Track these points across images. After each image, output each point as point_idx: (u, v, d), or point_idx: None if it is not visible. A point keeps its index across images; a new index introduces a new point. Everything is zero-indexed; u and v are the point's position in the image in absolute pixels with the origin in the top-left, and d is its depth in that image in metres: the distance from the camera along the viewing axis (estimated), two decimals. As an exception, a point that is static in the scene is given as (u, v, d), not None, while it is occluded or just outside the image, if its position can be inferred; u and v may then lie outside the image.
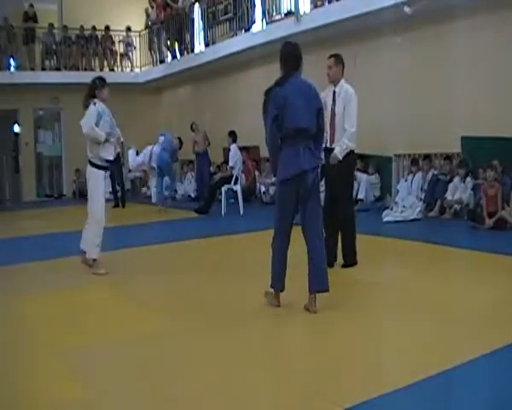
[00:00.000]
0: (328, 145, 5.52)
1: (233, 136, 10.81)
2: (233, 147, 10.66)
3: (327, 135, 5.51)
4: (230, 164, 10.64)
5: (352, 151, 5.55)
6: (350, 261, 5.60)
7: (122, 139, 6.23)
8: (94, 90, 5.97)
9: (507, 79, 8.18)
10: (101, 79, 6.10)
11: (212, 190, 10.85)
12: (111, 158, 6.05)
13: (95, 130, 5.79)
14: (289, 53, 4.44)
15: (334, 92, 5.56)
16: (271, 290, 4.37)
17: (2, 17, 15.60)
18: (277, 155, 4.29)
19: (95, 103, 5.89)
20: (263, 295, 4.44)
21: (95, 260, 5.97)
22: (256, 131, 12.72)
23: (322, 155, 5.30)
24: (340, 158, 5.45)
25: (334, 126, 5.50)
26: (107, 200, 15.38)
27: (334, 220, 5.55)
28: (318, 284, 4.22)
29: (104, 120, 5.89)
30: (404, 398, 2.82)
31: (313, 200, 4.31)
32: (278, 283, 4.34)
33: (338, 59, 5.60)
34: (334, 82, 5.57)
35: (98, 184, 5.96)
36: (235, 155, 10.57)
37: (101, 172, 5.96)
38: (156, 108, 17.55)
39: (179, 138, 12.14)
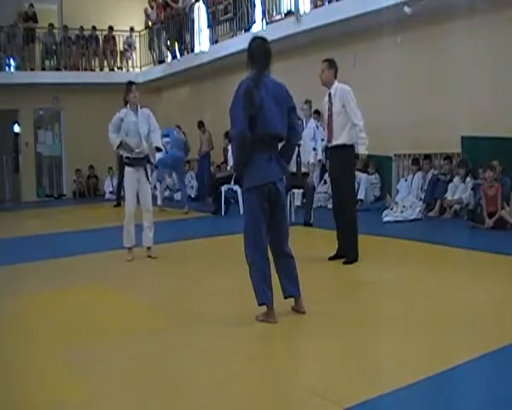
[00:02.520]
0: (327, 144, 5.90)
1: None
2: (230, 147, 10.64)
3: (325, 135, 5.88)
4: (230, 164, 10.63)
5: (349, 145, 5.72)
6: (351, 258, 5.72)
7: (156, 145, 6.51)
8: (125, 95, 6.41)
9: (507, 79, 8.18)
10: (128, 83, 6.42)
11: (215, 189, 10.81)
12: (130, 155, 6.35)
13: (110, 137, 6.32)
14: (260, 49, 4.06)
15: (330, 94, 5.80)
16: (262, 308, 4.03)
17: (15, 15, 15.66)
18: (245, 155, 3.92)
19: (119, 110, 6.35)
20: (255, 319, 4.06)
21: (128, 248, 6.44)
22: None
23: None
24: (366, 153, 5.78)
25: (332, 126, 5.76)
26: (108, 200, 15.54)
27: (342, 217, 5.83)
28: (296, 289, 4.10)
29: (128, 123, 6.26)
30: (404, 398, 2.82)
31: (280, 212, 4.06)
32: (269, 294, 3.97)
33: (330, 63, 5.79)
34: (327, 85, 5.81)
35: (126, 180, 6.45)
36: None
37: (129, 169, 6.37)
38: (156, 108, 17.45)
39: (178, 126, 12.17)
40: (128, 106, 6.36)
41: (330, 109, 5.77)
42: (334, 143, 5.77)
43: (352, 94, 5.72)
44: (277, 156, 4.04)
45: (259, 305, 4.01)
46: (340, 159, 5.73)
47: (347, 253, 5.78)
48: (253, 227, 3.98)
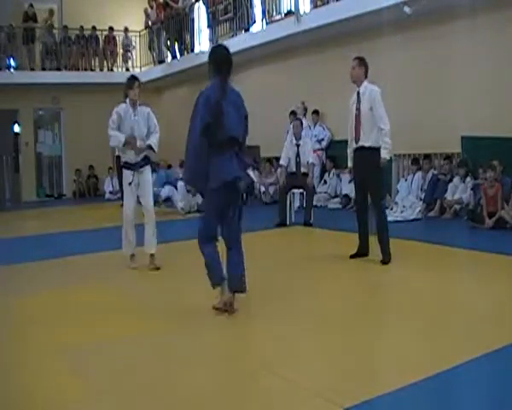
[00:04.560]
0: (354, 145, 5.77)
1: None
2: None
3: (352, 135, 5.79)
4: None
5: (377, 148, 5.67)
6: (386, 259, 5.71)
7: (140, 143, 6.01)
8: (125, 90, 5.94)
9: (507, 79, 8.18)
10: (130, 78, 6.01)
11: None
12: (130, 161, 5.97)
13: (111, 135, 5.85)
14: (224, 59, 4.27)
15: (359, 93, 5.76)
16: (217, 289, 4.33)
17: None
18: (201, 163, 4.15)
19: (117, 105, 5.95)
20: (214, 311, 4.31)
21: (131, 255, 6.09)
22: (256, 130, 12.75)
23: None
24: (388, 158, 5.72)
25: (360, 126, 5.70)
26: (108, 200, 15.53)
27: (365, 217, 5.86)
28: (236, 285, 4.26)
29: (126, 122, 5.87)
30: (404, 398, 2.82)
31: (238, 207, 4.31)
32: (221, 274, 4.28)
33: (361, 61, 5.80)
34: (357, 82, 5.78)
35: (124, 184, 6.04)
36: None
37: (127, 172, 5.99)
38: (156, 108, 17.42)
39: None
40: (127, 102, 5.97)
41: (358, 109, 5.73)
42: (361, 144, 5.71)
43: (380, 96, 5.69)
44: (239, 155, 4.25)
45: (214, 287, 4.31)
46: (368, 161, 5.66)
47: (382, 253, 5.73)
48: (208, 222, 4.31)
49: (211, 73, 4.25)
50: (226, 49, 4.34)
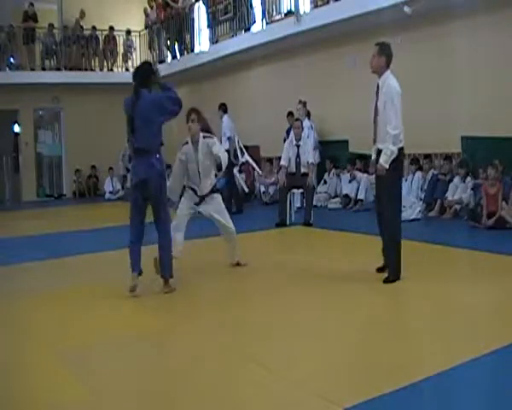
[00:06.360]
0: (373, 146, 5.17)
1: (223, 107, 10.56)
2: (225, 118, 10.41)
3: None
4: (228, 135, 10.17)
5: (399, 149, 5.03)
6: (391, 276, 4.98)
7: None
8: None
9: (507, 79, 8.18)
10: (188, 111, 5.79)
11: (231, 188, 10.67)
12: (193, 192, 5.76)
13: (169, 187, 5.48)
14: (135, 72, 5.01)
15: (378, 85, 5.09)
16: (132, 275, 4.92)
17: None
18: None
19: (181, 148, 5.71)
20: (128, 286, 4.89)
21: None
22: (256, 131, 12.82)
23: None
24: (387, 167, 4.91)
25: (377, 124, 5.09)
26: (108, 200, 15.53)
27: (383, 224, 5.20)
28: (165, 271, 4.98)
29: (189, 165, 5.64)
30: (404, 398, 2.82)
31: (159, 204, 4.95)
32: (136, 269, 4.90)
33: (382, 48, 5.03)
34: (378, 73, 5.08)
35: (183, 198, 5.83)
36: (227, 126, 10.19)
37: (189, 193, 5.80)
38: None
39: None
40: (190, 139, 5.54)
41: (376, 103, 5.07)
42: (378, 146, 5.07)
43: (397, 96, 5.00)
44: (151, 159, 4.83)
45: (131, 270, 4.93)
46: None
47: (388, 270, 5.10)
48: (131, 215, 4.97)
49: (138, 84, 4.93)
50: (144, 64, 5.26)
